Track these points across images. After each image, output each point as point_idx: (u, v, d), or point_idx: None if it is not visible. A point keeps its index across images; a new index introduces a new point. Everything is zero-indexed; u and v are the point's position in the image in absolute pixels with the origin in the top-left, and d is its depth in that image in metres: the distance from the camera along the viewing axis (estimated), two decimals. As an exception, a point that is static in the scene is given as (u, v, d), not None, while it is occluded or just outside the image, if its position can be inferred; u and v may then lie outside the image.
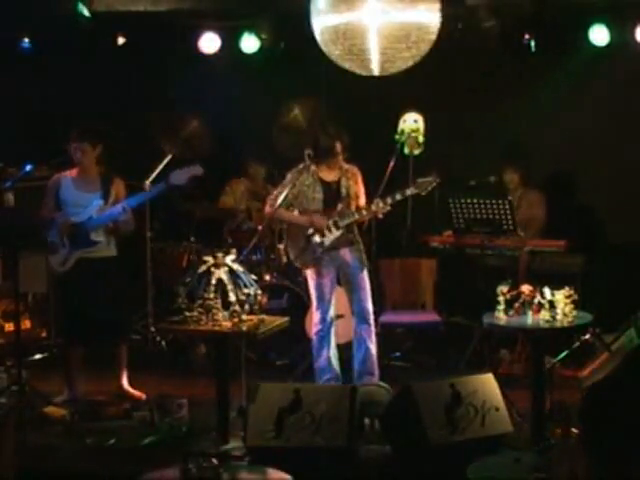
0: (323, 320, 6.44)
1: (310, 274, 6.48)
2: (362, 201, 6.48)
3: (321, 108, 8.02)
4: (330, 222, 6.37)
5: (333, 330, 6.51)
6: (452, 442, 5.03)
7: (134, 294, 7.75)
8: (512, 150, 7.98)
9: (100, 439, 5.66)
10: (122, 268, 6.55)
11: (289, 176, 6.45)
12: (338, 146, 6.38)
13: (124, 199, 6.40)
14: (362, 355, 6.42)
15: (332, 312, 6.51)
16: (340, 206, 6.39)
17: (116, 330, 6.47)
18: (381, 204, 6.28)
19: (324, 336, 6.45)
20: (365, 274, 6.47)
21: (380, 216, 6.38)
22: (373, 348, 6.44)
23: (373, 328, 6.47)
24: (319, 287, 6.43)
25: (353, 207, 6.42)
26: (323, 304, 6.43)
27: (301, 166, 6.41)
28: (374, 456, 5.29)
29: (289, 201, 6.40)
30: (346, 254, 6.44)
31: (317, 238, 6.38)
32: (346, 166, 6.48)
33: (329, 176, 6.47)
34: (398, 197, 6.34)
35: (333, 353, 6.51)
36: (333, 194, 6.44)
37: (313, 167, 6.39)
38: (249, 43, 8.19)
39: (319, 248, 6.38)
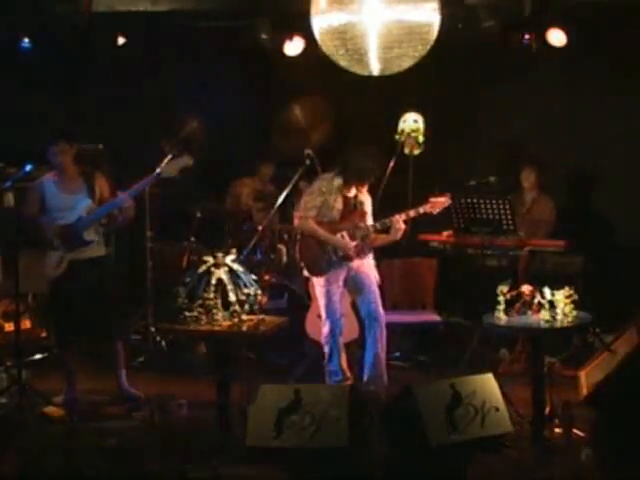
0: (332, 330, 6.40)
1: (318, 281, 6.47)
2: (370, 222, 6.50)
3: (321, 108, 8.02)
4: (345, 234, 6.39)
5: (341, 338, 6.49)
6: (452, 442, 5.02)
7: (134, 294, 7.77)
8: (527, 150, 8.00)
9: (100, 439, 5.66)
10: (113, 266, 6.54)
11: (317, 184, 6.46)
12: (373, 177, 6.42)
13: (109, 193, 6.35)
14: (372, 359, 6.39)
15: (342, 321, 6.49)
16: (356, 219, 6.42)
17: (109, 329, 6.42)
18: (396, 217, 6.29)
19: (334, 345, 6.42)
20: (373, 277, 6.47)
21: (397, 234, 6.37)
22: (382, 352, 6.42)
23: (384, 330, 6.45)
24: (328, 294, 6.40)
25: (367, 222, 6.45)
26: (332, 313, 6.39)
27: (329, 175, 6.44)
28: (374, 456, 5.28)
29: (318, 209, 6.40)
30: (356, 261, 6.44)
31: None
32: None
33: (348, 192, 6.47)
34: (412, 214, 6.36)
35: (343, 356, 6.50)
36: (350, 208, 6.46)
37: (339, 180, 6.40)
38: (250, 43, 8.19)
39: (334, 256, 6.38)
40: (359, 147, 6.45)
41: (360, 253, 6.41)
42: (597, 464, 4.99)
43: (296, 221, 6.51)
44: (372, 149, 6.40)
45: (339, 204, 6.43)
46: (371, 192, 6.61)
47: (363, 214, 6.48)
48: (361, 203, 6.50)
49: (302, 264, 6.52)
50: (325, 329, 6.43)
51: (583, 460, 5.04)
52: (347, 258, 6.39)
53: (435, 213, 6.45)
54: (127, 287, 7.57)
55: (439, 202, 6.42)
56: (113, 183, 6.46)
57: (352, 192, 6.49)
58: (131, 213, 6.39)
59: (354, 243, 6.38)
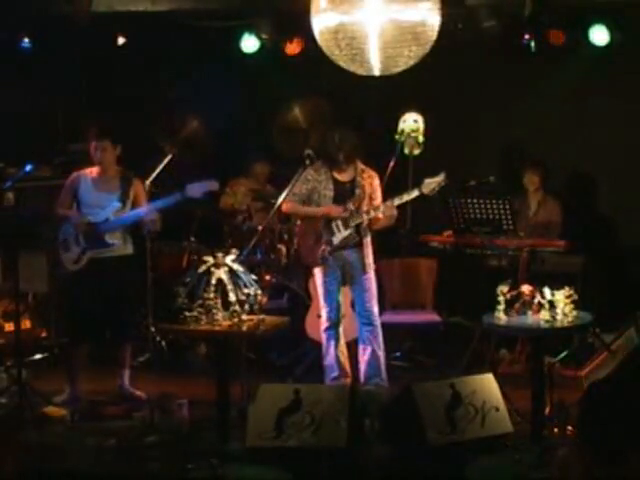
0: (330, 318, 6.44)
1: (317, 272, 6.49)
2: (377, 204, 6.43)
3: (321, 108, 8.01)
4: (339, 221, 6.37)
5: (342, 328, 6.51)
6: (452, 442, 5.03)
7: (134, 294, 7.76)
8: (527, 150, 8.00)
9: (100, 439, 5.66)
10: (135, 267, 6.56)
11: (305, 172, 6.44)
12: (340, 156, 6.34)
13: (144, 201, 6.42)
14: (369, 357, 6.40)
15: (341, 310, 6.50)
16: (350, 205, 6.37)
17: (123, 330, 6.46)
18: (388, 204, 6.28)
19: (332, 334, 6.45)
20: (370, 275, 6.45)
21: (391, 220, 6.38)
22: (379, 350, 6.43)
23: (379, 329, 6.45)
24: (325, 285, 6.43)
25: (365, 208, 6.38)
26: (330, 302, 6.43)
27: (318, 163, 6.43)
28: (374, 456, 5.28)
29: (303, 196, 6.42)
30: (351, 255, 6.43)
31: (330, 230, 6.37)
32: (362, 167, 6.45)
33: (343, 176, 6.44)
34: (406, 198, 6.32)
35: (342, 351, 6.51)
36: (344, 193, 6.41)
37: (324, 166, 6.41)
38: (249, 43, 8.20)
39: (328, 247, 6.38)
40: (330, 133, 6.46)
41: (351, 241, 6.39)
42: (593, 464, 4.99)
43: (282, 206, 6.51)
44: (334, 132, 6.36)
45: (330, 191, 6.40)
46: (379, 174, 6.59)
47: (360, 199, 6.38)
48: (362, 186, 6.41)
49: (301, 253, 6.55)
50: (323, 313, 6.46)
51: None
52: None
53: (432, 195, 6.33)
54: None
55: (434, 182, 6.28)
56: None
57: (348, 176, 6.44)
58: (157, 226, 6.44)
59: (348, 232, 6.36)
